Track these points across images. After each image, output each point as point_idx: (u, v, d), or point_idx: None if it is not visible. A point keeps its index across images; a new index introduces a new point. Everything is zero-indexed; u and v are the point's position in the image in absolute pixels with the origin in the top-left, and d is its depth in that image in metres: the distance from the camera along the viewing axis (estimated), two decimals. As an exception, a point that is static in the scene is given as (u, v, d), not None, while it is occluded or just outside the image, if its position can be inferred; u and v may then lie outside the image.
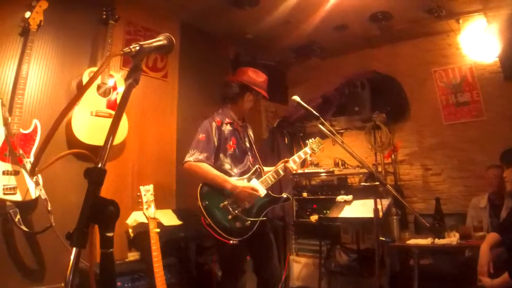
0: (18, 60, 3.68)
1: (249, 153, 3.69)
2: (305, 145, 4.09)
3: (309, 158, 6.52)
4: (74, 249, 1.16)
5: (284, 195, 3.64)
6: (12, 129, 3.35)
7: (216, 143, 3.47)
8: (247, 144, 3.73)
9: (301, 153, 3.92)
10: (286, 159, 3.71)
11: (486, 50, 5.60)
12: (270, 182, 3.53)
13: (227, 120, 3.61)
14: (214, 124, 3.51)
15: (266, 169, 3.73)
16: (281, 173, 3.61)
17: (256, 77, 3.67)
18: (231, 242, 3.15)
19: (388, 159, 6.12)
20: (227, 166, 3.49)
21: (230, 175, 3.41)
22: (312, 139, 4.09)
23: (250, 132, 3.90)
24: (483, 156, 5.51)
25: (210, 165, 3.35)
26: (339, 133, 6.42)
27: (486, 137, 5.61)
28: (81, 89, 1.17)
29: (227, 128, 3.57)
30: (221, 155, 3.50)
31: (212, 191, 3.29)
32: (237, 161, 3.56)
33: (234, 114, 3.70)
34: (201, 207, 3.19)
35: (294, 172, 3.82)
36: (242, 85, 3.62)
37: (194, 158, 3.33)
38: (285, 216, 5.94)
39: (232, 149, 3.54)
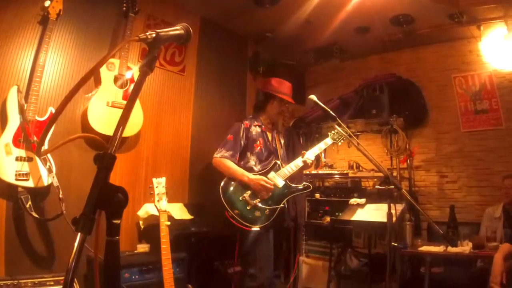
0: (36, 48, 3.69)
1: (274, 154, 4.06)
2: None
3: (323, 160, 6.53)
4: (78, 235, 1.13)
5: (304, 184, 3.96)
6: (28, 116, 3.36)
7: (243, 143, 3.92)
8: (274, 145, 4.10)
9: (321, 144, 4.06)
10: (304, 151, 3.93)
11: (506, 58, 5.51)
12: (287, 173, 3.84)
13: (256, 123, 4.06)
14: (242, 126, 3.96)
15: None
16: (300, 164, 3.87)
17: (279, 85, 4.07)
18: (253, 229, 3.56)
19: (404, 164, 6.06)
20: (251, 163, 3.90)
21: (253, 171, 3.82)
22: (334, 130, 4.02)
23: (281, 137, 4.32)
24: (500, 166, 5.45)
25: (233, 162, 3.80)
26: (355, 136, 6.35)
27: (503, 146, 5.54)
28: (92, 68, 1.13)
29: (255, 130, 4.02)
30: (248, 153, 3.93)
31: (233, 185, 3.70)
32: (262, 159, 3.95)
33: (264, 119, 4.13)
34: (223, 200, 3.59)
35: (311, 163, 3.94)
36: (266, 93, 4.11)
37: (220, 155, 3.83)
38: (297, 217, 5.91)
39: (258, 148, 3.96)
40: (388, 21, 5.55)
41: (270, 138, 4.10)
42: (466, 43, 5.97)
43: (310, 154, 3.91)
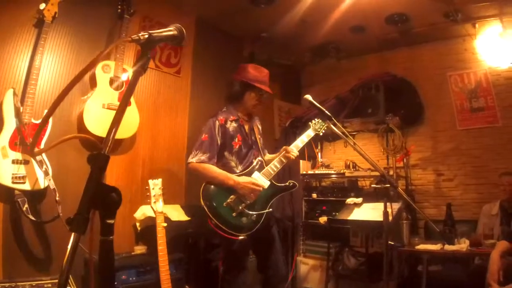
0: (32, 51, 3.68)
1: (253, 147, 3.66)
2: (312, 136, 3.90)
3: (320, 160, 6.54)
4: (72, 235, 1.13)
5: (290, 183, 3.61)
6: (24, 119, 3.35)
7: (219, 142, 3.47)
8: (253, 138, 3.70)
9: (303, 136, 3.76)
10: (286, 146, 3.61)
11: (502, 56, 5.52)
12: (272, 172, 3.51)
13: (231, 117, 3.58)
14: (217, 123, 3.50)
15: (270, 156, 3.75)
16: (284, 161, 3.54)
17: (257, 73, 3.62)
18: (240, 238, 3.20)
19: (400, 163, 6.07)
20: (232, 164, 3.50)
21: (235, 173, 3.42)
22: (315, 120, 3.87)
23: (258, 123, 3.87)
24: (497, 163, 5.46)
25: (213, 165, 3.38)
26: (351, 135, 6.37)
27: (500, 144, 5.55)
28: (84, 68, 1.14)
29: (232, 126, 3.55)
30: (226, 153, 3.51)
31: (214, 190, 3.33)
32: (242, 158, 3.55)
33: (239, 111, 3.66)
34: (205, 208, 3.23)
35: (294, 157, 3.59)
36: (243, 83, 3.58)
37: (197, 159, 3.37)
38: (295, 217, 5.91)
39: (237, 146, 3.53)
40: (383, 20, 5.56)
41: (248, 131, 3.66)
42: (461, 41, 5.99)
43: (293, 148, 3.57)
